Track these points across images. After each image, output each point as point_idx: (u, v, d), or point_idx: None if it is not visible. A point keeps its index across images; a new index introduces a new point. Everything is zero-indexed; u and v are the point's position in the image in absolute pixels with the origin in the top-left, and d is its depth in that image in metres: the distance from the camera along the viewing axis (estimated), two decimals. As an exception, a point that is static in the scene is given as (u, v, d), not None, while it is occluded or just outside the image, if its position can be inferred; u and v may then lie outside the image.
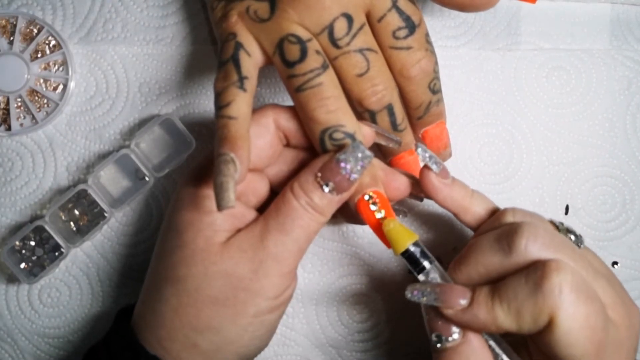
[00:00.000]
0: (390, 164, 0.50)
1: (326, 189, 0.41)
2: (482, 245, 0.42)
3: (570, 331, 0.38)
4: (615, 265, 0.55)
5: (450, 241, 0.55)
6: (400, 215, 0.50)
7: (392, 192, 0.45)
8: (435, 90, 0.47)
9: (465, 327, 0.41)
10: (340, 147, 0.42)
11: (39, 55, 0.54)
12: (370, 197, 0.42)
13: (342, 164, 0.41)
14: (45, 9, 0.54)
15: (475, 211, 0.45)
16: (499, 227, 0.43)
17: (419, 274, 0.42)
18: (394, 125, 0.47)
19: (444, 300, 0.40)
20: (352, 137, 0.42)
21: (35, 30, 0.54)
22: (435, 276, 0.42)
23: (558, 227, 0.44)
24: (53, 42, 0.54)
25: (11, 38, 0.54)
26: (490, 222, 0.45)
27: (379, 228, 0.43)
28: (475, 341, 0.41)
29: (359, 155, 0.41)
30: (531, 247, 0.40)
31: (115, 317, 0.48)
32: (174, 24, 0.54)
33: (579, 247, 0.44)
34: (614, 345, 0.39)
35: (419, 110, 0.48)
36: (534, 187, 0.55)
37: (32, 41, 0.53)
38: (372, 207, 0.42)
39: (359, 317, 0.55)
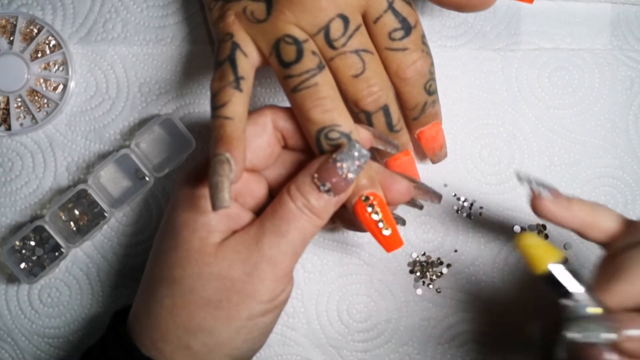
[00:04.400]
0: (386, 164, 0.50)
1: (323, 190, 0.41)
2: (637, 260, 0.38)
3: None
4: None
5: (450, 242, 0.55)
6: (399, 223, 0.50)
7: (394, 195, 0.44)
8: (430, 91, 0.47)
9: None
10: (336, 147, 0.42)
11: (39, 55, 0.54)
12: (367, 198, 0.42)
13: (339, 164, 0.41)
14: (45, 9, 0.54)
15: (603, 226, 0.42)
16: None
17: (562, 297, 0.37)
18: (390, 126, 0.47)
19: (627, 335, 0.35)
20: (347, 136, 0.42)
21: (35, 30, 0.54)
22: (583, 299, 0.37)
23: None
24: (53, 42, 0.54)
25: (11, 38, 0.54)
26: (632, 234, 0.41)
27: (375, 230, 0.42)
28: None
29: (355, 154, 0.41)
30: None
31: (110, 318, 0.48)
32: (174, 24, 0.54)
33: None
34: None
35: (414, 111, 0.48)
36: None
37: (32, 41, 0.53)
38: (369, 209, 0.42)
39: (359, 317, 0.55)
